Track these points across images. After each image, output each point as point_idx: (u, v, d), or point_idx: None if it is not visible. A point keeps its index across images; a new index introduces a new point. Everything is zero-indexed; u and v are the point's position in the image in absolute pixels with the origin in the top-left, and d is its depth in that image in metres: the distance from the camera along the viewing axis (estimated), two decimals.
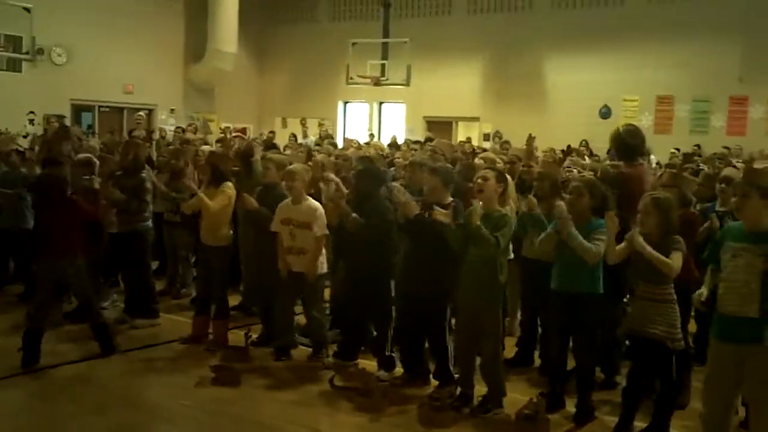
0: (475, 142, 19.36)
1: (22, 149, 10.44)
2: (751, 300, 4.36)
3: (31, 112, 19.32)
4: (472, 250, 5.78)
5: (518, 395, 6.07)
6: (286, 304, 7.18)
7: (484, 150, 15.07)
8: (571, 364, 5.99)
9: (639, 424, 5.52)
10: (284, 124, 24.46)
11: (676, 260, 5.16)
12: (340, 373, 6.65)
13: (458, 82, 21.47)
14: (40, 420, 5.79)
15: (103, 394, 6.26)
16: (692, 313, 6.07)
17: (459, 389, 6.08)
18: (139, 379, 6.63)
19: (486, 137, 21.33)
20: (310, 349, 7.19)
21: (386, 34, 21.52)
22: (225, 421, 5.84)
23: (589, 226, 5.60)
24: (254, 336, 7.41)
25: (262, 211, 7.19)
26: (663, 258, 5.12)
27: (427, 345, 6.52)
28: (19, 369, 6.56)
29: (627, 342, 5.85)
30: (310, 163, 9.46)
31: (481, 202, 5.78)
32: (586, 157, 14.62)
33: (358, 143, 14.41)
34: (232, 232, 7.59)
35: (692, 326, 6.49)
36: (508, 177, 6.65)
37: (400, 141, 18.63)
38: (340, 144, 16.98)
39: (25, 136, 16.86)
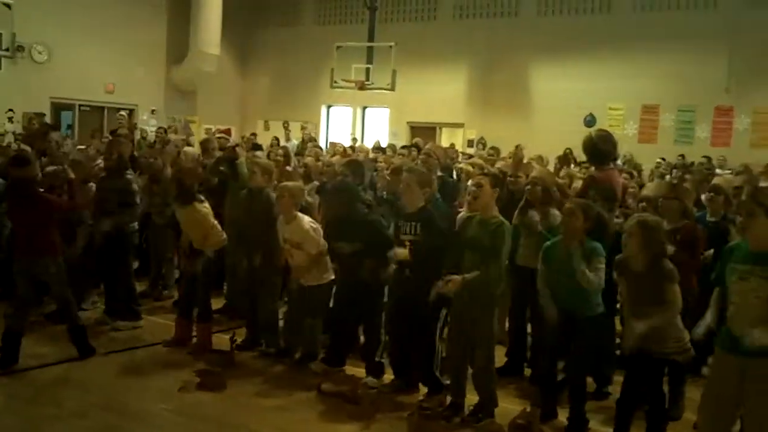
0: (459, 149, 19.32)
1: None
2: (761, 322, 4.24)
3: (10, 110, 19.00)
4: (467, 257, 5.66)
5: (508, 405, 5.97)
6: (298, 316, 7.07)
7: (470, 156, 15.07)
8: (561, 374, 5.89)
9: None
10: (266, 127, 24.26)
11: (672, 295, 5.06)
12: (328, 378, 6.51)
13: (443, 88, 21.37)
14: (22, 422, 5.60)
15: (85, 397, 6.08)
16: None
17: (449, 398, 5.95)
18: (122, 382, 6.45)
19: (470, 143, 21.24)
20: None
21: (371, 38, 21.37)
22: (209, 427, 5.67)
23: (583, 249, 5.48)
24: (239, 340, 7.26)
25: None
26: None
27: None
28: None
29: (618, 352, 5.77)
30: (288, 167, 9.36)
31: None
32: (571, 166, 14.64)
33: (344, 148, 14.25)
34: (224, 236, 7.39)
35: None
36: None
37: (384, 146, 18.49)
38: (324, 147, 16.87)
39: (2, 134, 16.64)
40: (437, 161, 8.29)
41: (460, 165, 10.60)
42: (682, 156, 17.68)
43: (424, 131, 21.97)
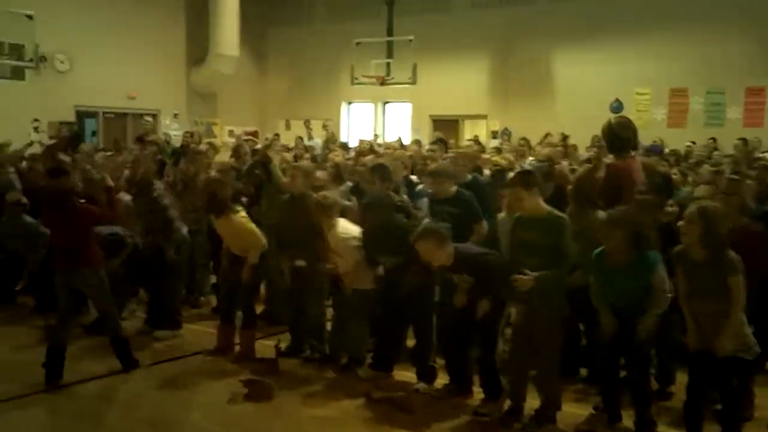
0: (483, 140, 19.11)
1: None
2: None
3: (36, 120, 19.01)
4: (530, 261, 5.46)
5: (566, 408, 5.75)
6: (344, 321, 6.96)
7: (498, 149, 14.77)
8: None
9: None
10: (288, 126, 24.17)
11: (735, 288, 4.82)
12: (377, 385, 6.37)
13: (464, 80, 21.13)
14: None
15: (131, 412, 5.98)
16: None
17: (508, 402, 5.76)
18: (167, 395, 6.33)
19: (494, 134, 21.01)
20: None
21: (390, 33, 21.19)
22: None
23: (634, 264, 5.28)
24: (283, 347, 7.14)
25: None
26: None
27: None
28: (41, 386, 6.30)
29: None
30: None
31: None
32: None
33: (400, 142, 13.86)
34: (264, 241, 7.23)
35: None
36: None
37: (406, 141, 18.34)
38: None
39: (30, 144, 16.63)
40: (464, 167, 8.04)
41: (494, 158, 10.36)
42: (713, 139, 17.37)
43: (446, 124, 21.76)
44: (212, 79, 23.07)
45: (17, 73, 19.25)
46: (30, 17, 17.66)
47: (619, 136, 6.90)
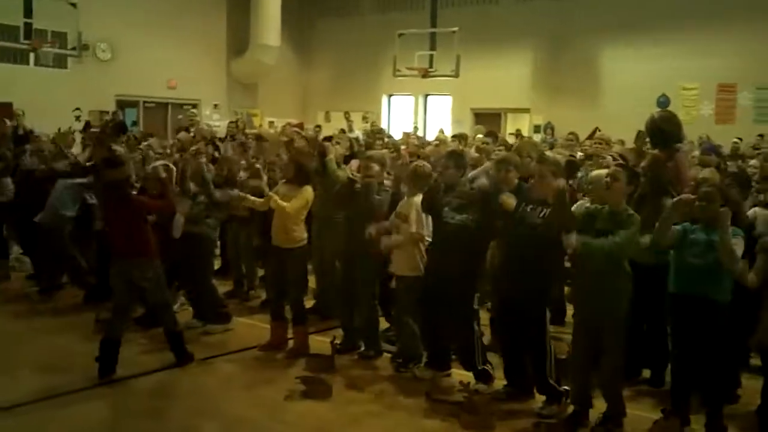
0: (525, 134, 18.88)
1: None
2: None
3: (77, 109, 19.03)
4: (590, 263, 5.31)
5: (631, 411, 5.55)
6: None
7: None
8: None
9: None
10: (327, 118, 24.06)
11: None
12: (436, 385, 6.23)
13: (507, 72, 20.91)
14: None
15: (187, 408, 5.89)
16: None
17: (572, 406, 5.60)
18: (224, 391, 6.21)
19: (537, 129, 20.76)
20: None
21: (434, 24, 20.97)
22: None
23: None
24: (337, 342, 7.02)
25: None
26: None
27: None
28: (96, 380, 6.22)
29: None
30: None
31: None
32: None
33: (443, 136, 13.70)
34: (306, 234, 7.15)
35: None
36: None
37: (447, 133, 18.15)
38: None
39: (70, 132, 16.65)
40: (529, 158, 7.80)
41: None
42: (761, 136, 16.99)
43: (488, 117, 21.55)
44: (253, 69, 23.06)
45: (60, 62, 19.39)
46: (73, 5, 17.76)
47: (662, 129, 6.86)
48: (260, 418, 5.67)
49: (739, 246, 5.07)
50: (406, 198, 6.73)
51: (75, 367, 6.49)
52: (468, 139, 13.72)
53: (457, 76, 19.45)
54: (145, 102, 21.52)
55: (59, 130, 10.41)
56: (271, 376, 6.55)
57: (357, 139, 15.94)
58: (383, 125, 22.99)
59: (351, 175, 7.37)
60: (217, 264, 9.12)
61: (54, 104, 17.61)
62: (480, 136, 13.71)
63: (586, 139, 15.23)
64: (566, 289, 7.49)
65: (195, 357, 6.80)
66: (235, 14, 22.62)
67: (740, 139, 16.31)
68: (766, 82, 17.76)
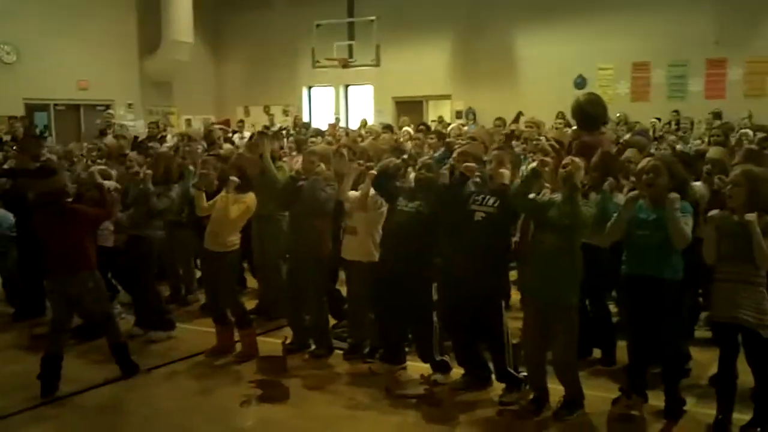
0: (447, 121, 18.95)
1: None
2: None
3: None
4: (547, 238, 5.30)
5: (587, 391, 5.53)
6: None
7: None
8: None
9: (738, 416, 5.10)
10: (247, 113, 23.73)
11: None
12: (393, 379, 6.15)
13: (427, 60, 20.91)
14: None
15: (142, 424, 5.64)
16: None
17: (532, 393, 5.59)
18: (178, 402, 5.97)
19: (458, 115, 20.87)
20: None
21: (351, 14, 20.84)
22: None
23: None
24: (288, 342, 6.87)
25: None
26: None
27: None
28: (38, 399, 5.93)
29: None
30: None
31: None
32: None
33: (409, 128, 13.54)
34: (238, 239, 6.96)
35: None
36: None
37: (370, 123, 18.11)
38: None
39: None
40: (483, 145, 7.80)
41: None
42: (676, 112, 17.48)
43: (409, 106, 21.62)
44: (167, 66, 22.51)
45: None
46: None
47: (587, 112, 6.94)
48: (222, 430, 5.47)
49: (688, 224, 5.12)
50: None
51: (13, 388, 6.18)
52: (394, 130, 13.75)
53: (377, 65, 19.40)
54: (55, 105, 20.75)
55: None
56: (223, 382, 6.35)
57: (281, 131, 15.81)
58: (305, 118, 22.80)
59: (293, 173, 7.22)
60: None
61: None
62: (406, 128, 13.78)
63: (512, 122, 15.45)
64: (511, 273, 7.49)
65: (141, 368, 6.56)
66: (146, 11, 21.93)
67: (658, 119, 16.73)
68: (678, 59, 18.26)
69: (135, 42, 22.22)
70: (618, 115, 16.80)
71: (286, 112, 22.54)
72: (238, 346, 7.01)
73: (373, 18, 19.08)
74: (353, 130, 15.59)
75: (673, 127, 16.08)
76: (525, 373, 5.73)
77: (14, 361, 6.86)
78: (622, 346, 6.21)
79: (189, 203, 7.85)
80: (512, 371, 5.77)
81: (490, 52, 20.23)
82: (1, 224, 8.29)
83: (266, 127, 18.08)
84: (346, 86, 23.29)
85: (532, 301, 5.56)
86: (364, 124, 18.09)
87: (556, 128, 11.90)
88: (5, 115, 18.22)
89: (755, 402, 5.01)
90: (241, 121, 20.12)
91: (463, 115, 20.50)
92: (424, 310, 6.13)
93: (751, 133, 11.14)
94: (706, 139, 11.40)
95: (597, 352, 6.56)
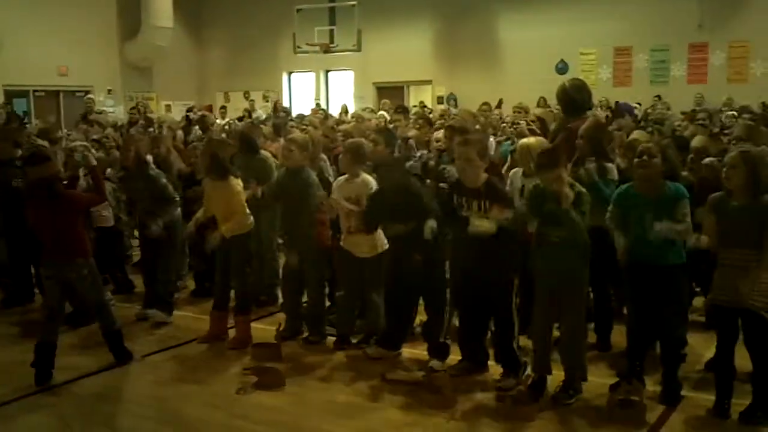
0: (429, 106, 18.94)
1: None
2: None
3: None
4: (551, 231, 5.30)
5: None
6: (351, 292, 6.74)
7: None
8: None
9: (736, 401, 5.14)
10: (227, 99, 23.60)
11: None
12: (389, 365, 6.16)
13: (408, 45, 20.92)
14: None
15: (139, 411, 5.61)
16: None
17: (529, 378, 5.62)
18: (171, 389, 5.95)
19: (440, 100, 20.89)
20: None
21: None
22: None
23: (666, 196, 5.17)
24: (282, 329, 6.86)
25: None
26: None
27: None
28: (33, 387, 5.88)
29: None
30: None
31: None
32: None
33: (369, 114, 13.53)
34: (252, 219, 6.92)
35: None
36: None
37: (351, 109, 18.10)
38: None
39: None
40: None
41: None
42: (659, 97, 17.60)
43: (391, 91, 21.58)
44: (146, 52, 22.33)
45: None
46: None
47: (573, 98, 7.07)
48: (219, 417, 5.42)
49: (686, 214, 5.14)
50: (345, 179, 6.59)
51: (6, 376, 6.14)
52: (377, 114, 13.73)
53: (359, 50, 19.38)
54: (35, 91, 20.55)
55: None
56: (218, 369, 6.32)
57: (259, 118, 15.70)
58: (285, 103, 22.70)
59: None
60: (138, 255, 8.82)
61: None
62: (382, 112, 13.78)
63: (495, 108, 15.44)
64: None
65: (134, 355, 6.54)
66: None
67: (639, 104, 16.82)
68: (659, 44, 18.36)
69: (115, 27, 22.05)
70: (600, 100, 16.84)
71: (266, 98, 22.41)
72: (231, 333, 6.99)
73: (354, 3, 19.04)
74: (334, 117, 15.52)
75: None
76: (525, 359, 5.76)
77: (5, 349, 6.81)
78: (615, 330, 6.31)
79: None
80: (516, 352, 5.78)
81: (471, 37, 20.24)
82: None
83: (248, 113, 18.04)
84: (327, 72, 23.21)
85: (543, 288, 5.53)
86: (344, 110, 18.07)
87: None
88: None
89: (754, 385, 5.02)
90: (224, 106, 19.99)
91: (444, 101, 20.53)
92: (439, 289, 6.15)
93: (736, 114, 11.25)
94: (684, 123, 11.55)
95: (591, 337, 6.59)
